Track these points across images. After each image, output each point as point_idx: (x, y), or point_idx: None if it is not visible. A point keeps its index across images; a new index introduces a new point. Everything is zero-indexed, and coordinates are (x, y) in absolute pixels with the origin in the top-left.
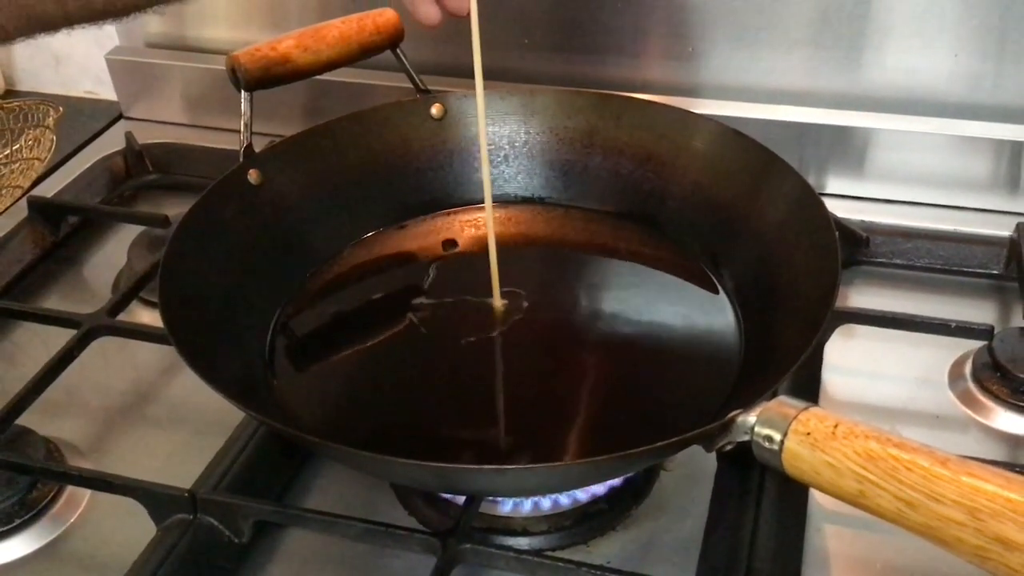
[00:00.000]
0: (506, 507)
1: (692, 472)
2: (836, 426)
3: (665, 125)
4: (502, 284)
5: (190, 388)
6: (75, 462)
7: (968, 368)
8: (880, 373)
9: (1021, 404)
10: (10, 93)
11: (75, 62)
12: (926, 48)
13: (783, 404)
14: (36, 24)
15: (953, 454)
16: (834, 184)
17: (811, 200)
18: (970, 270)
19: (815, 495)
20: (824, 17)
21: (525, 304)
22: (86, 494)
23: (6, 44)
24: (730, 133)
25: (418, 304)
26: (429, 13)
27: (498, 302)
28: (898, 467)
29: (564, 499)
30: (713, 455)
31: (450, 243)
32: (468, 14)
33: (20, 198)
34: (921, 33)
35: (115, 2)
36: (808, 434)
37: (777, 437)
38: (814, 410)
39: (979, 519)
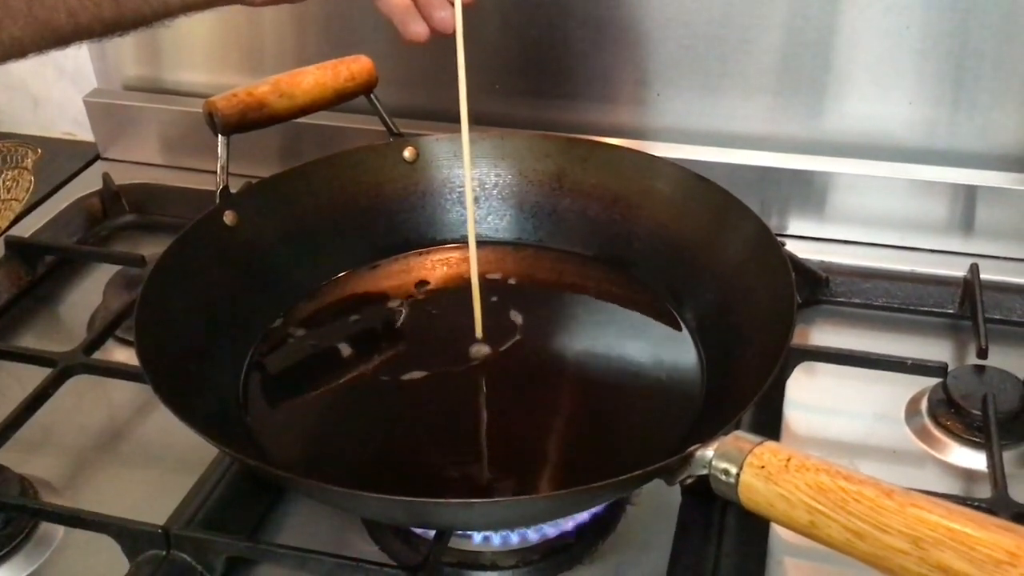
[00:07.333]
0: (475, 540)
1: (657, 506)
2: (789, 459)
3: (630, 168)
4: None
5: (164, 425)
6: (49, 499)
7: (924, 404)
8: (840, 409)
9: (974, 439)
10: None
11: (53, 104)
12: (883, 95)
13: (739, 439)
14: (49, 36)
15: (898, 486)
16: (795, 226)
17: (769, 241)
18: (926, 309)
19: (776, 529)
20: (784, 65)
21: (496, 342)
22: (60, 530)
23: (20, 59)
24: (692, 177)
25: (390, 342)
26: (417, 31)
27: (479, 331)
28: (847, 498)
29: (532, 533)
30: (677, 489)
31: (422, 283)
32: (453, 32)
33: None
34: (878, 81)
35: (124, 15)
36: (762, 467)
37: (733, 470)
38: (768, 444)
39: (922, 548)
